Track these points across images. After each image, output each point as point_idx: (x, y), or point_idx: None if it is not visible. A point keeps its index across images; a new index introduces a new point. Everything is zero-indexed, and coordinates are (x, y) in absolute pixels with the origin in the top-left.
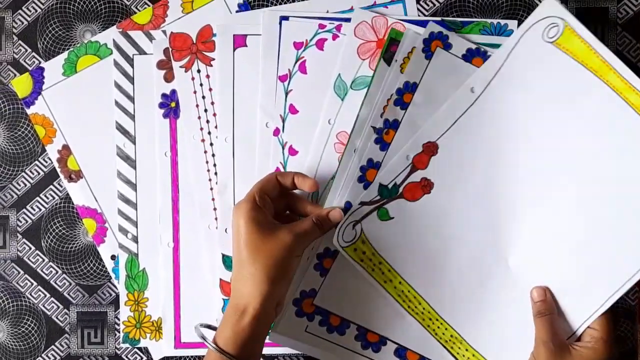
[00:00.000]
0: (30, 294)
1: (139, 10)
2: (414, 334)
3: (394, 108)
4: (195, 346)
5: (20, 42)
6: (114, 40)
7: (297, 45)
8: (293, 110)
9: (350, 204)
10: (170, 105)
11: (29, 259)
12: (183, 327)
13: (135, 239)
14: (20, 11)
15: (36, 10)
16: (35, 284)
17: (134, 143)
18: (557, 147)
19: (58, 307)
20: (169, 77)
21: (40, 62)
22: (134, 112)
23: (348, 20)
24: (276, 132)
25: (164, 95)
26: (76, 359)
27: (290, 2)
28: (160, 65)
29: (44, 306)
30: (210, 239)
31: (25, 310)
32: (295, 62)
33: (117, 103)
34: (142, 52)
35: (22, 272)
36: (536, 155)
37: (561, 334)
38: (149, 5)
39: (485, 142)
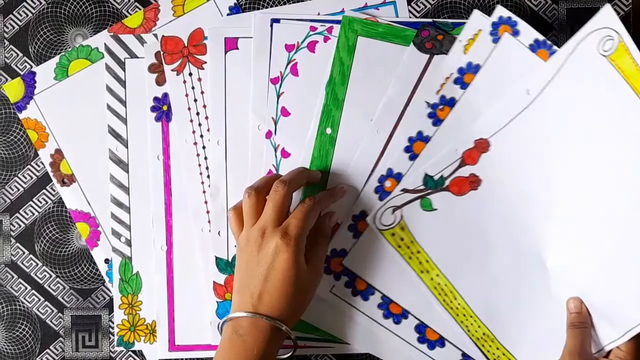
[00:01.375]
0: (25, 298)
1: (130, 14)
2: (437, 314)
3: (453, 86)
4: (189, 349)
5: (11, 46)
6: (105, 44)
7: (289, 48)
8: (285, 112)
9: (364, 214)
10: (162, 109)
11: (22, 263)
12: (177, 329)
13: (128, 243)
14: (11, 15)
15: (27, 15)
16: (29, 288)
17: (127, 146)
18: (603, 161)
19: (52, 311)
20: (160, 81)
21: (31, 67)
22: (126, 115)
23: (339, 22)
24: (268, 135)
25: (156, 99)
26: None
27: (282, 5)
28: (152, 68)
29: (38, 310)
30: (203, 242)
31: (19, 315)
32: (287, 65)
33: (109, 107)
34: (133, 55)
35: (16, 276)
36: (580, 167)
37: (589, 349)
38: (139, 9)
39: (536, 145)
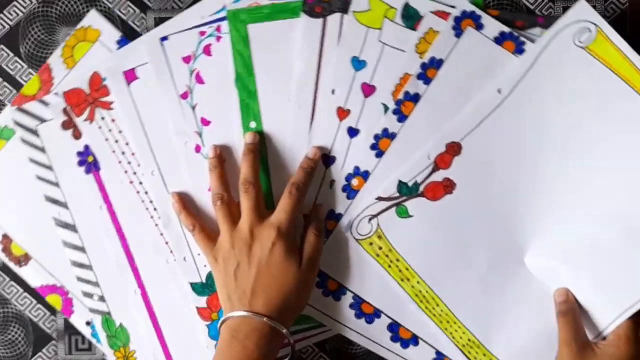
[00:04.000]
0: (17, 301)
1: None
2: (410, 312)
3: (417, 82)
4: None
5: (2, 46)
6: (13, 119)
7: (186, 60)
8: (205, 122)
9: (340, 214)
10: (88, 161)
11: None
12: None
13: (102, 299)
14: (1, 15)
15: (17, 15)
16: (21, 290)
17: (68, 208)
18: (582, 153)
19: (45, 314)
20: (77, 135)
21: (23, 67)
22: (57, 179)
23: (225, 18)
24: (197, 149)
25: (79, 153)
26: None
27: (164, 22)
28: (65, 125)
29: (30, 313)
30: (172, 273)
31: (11, 317)
32: (191, 76)
33: (38, 177)
34: (43, 120)
35: (7, 278)
36: (561, 160)
37: (584, 333)
38: (32, 74)
39: (510, 144)
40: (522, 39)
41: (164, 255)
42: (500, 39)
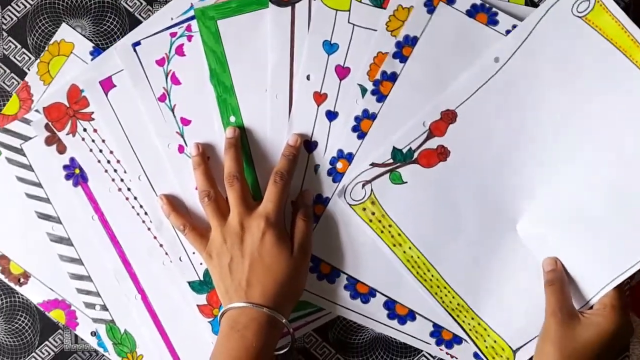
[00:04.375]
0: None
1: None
2: (405, 287)
3: (393, 60)
4: None
5: (10, 38)
6: None
7: (160, 62)
8: (185, 122)
9: (327, 199)
10: (75, 173)
11: None
12: None
13: (104, 307)
14: (9, 7)
15: (25, 6)
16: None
17: (60, 222)
18: (578, 122)
19: None
20: (61, 149)
21: (30, 59)
22: (47, 194)
23: (194, 17)
24: (181, 149)
25: (65, 167)
26: (70, 354)
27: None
28: (49, 141)
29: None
30: (170, 274)
31: (18, 307)
32: (166, 78)
33: (28, 195)
34: (27, 138)
35: None
36: (555, 129)
37: (570, 302)
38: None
39: (505, 112)
40: (495, 9)
41: (160, 258)
42: (472, 12)
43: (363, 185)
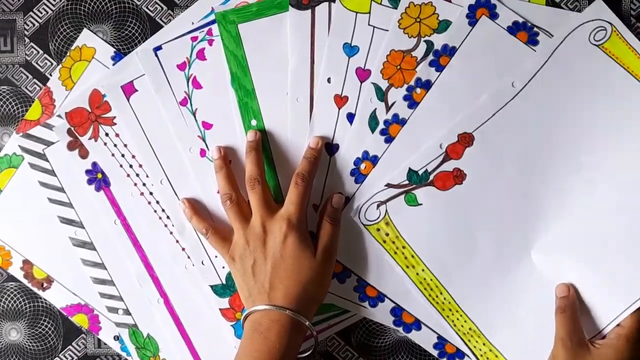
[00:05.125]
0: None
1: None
2: (413, 297)
3: (429, 69)
4: None
5: (32, 43)
6: (19, 145)
7: (181, 67)
8: (207, 125)
9: (347, 199)
10: (97, 177)
11: None
12: None
13: (127, 312)
14: (31, 13)
15: (47, 12)
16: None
17: (83, 227)
18: (594, 149)
19: None
20: (84, 153)
21: (52, 64)
22: (70, 199)
23: (214, 21)
24: (202, 153)
25: (87, 172)
26: (93, 359)
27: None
28: (71, 146)
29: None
30: (192, 278)
31: (42, 311)
32: (187, 82)
33: (50, 199)
34: (49, 143)
35: None
36: (572, 156)
37: (581, 331)
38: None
39: (522, 137)
40: (536, 29)
41: (182, 262)
42: (513, 29)
43: (378, 206)
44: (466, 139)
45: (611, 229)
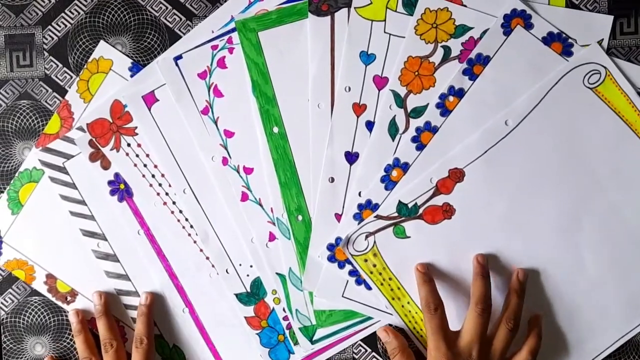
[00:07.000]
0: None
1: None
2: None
3: (462, 77)
4: None
5: (51, 57)
6: (39, 160)
7: (202, 75)
8: (229, 134)
9: (376, 205)
10: (120, 188)
11: None
12: None
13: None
14: (50, 27)
15: (66, 26)
16: None
17: (106, 239)
18: (584, 190)
19: None
20: (106, 164)
21: (71, 77)
22: (91, 212)
23: (235, 29)
24: (225, 162)
25: (110, 183)
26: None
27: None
28: (93, 157)
29: None
30: (217, 287)
31: (66, 325)
32: (208, 91)
33: (72, 212)
34: (69, 156)
35: None
36: (561, 197)
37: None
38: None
39: (512, 176)
40: (571, 40)
41: (207, 271)
42: (548, 39)
43: (366, 237)
44: (457, 175)
45: (597, 265)
